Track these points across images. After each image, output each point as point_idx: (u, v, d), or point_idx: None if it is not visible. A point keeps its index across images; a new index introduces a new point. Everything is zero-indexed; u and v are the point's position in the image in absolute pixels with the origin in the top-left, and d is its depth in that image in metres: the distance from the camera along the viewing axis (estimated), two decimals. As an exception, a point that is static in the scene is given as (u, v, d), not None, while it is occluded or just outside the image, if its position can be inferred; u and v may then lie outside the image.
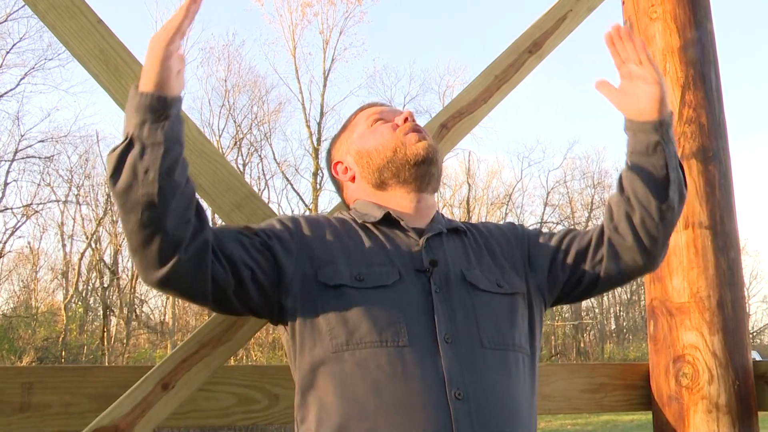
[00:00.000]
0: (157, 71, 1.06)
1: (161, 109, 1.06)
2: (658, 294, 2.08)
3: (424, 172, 1.34)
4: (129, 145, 1.07)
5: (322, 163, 22.80)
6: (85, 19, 1.52)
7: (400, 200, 1.35)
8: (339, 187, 1.48)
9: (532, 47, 1.91)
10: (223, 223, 1.42)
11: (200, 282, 1.13)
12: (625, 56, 1.24)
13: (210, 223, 1.16)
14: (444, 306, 1.20)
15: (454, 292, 1.23)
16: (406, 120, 1.38)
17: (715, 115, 2.15)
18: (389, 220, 1.30)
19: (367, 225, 1.31)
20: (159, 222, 1.06)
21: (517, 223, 1.44)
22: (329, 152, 1.50)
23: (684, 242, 2.04)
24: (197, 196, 1.16)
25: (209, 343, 1.50)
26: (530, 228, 1.43)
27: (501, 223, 1.46)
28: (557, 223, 29.34)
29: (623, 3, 2.34)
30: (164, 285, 1.11)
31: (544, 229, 1.45)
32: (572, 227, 1.42)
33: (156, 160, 1.05)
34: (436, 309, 1.18)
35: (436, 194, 1.43)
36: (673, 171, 1.27)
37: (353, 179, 1.41)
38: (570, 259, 1.34)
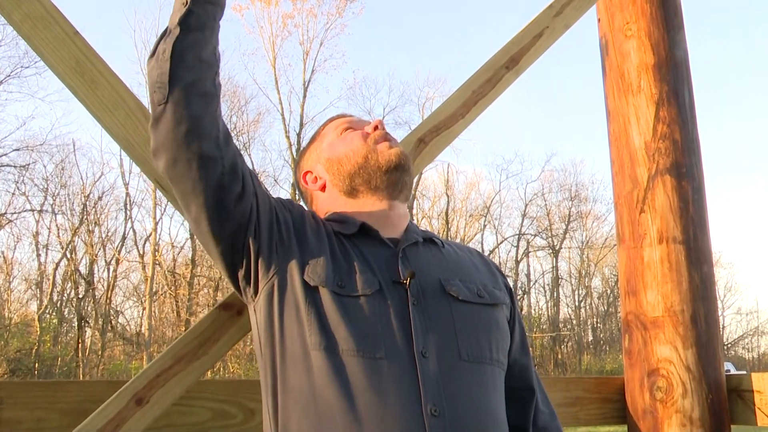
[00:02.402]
0: None
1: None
2: (633, 308, 2.10)
3: (396, 179, 1.34)
4: (164, 31, 1.19)
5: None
6: (61, 30, 1.51)
7: (372, 208, 1.33)
8: (308, 198, 1.46)
9: (509, 63, 1.92)
10: None
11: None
12: None
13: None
14: (422, 318, 1.18)
15: (433, 304, 1.21)
16: (376, 128, 1.39)
17: (689, 132, 2.18)
18: (364, 232, 1.29)
19: (342, 236, 1.29)
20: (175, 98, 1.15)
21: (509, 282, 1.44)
22: (298, 163, 1.50)
23: (658, 257, 2.06)
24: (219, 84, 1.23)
25: (184, 357, 1.49)
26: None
27: (491, 260, 1.47)
28: (535, 235, 29.52)
29: (599, 20, 2.38)
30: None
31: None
32: (530, 363, 1.43)
33: (171, 42, 1.15)
34: (414, 322, 1.17)
35: (407, 203, 1.43)
36: None
37: (323, 188, 1.40)
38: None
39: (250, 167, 1.27)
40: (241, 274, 1.24)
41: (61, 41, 1.50)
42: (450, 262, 1.33)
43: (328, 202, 1.39)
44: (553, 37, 2.01)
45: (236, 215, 1.19)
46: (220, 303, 1.53)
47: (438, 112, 1.84)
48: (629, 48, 2.26)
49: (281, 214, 1.27)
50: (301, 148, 1.51)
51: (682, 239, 2.07)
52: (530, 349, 1.46)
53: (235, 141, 1.25)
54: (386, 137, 1.38)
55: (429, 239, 1.35)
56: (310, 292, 1.18)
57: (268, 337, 1.20)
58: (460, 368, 1.17)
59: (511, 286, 1.44)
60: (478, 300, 1.27)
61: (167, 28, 1.19)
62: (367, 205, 1.34)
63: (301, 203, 1.39)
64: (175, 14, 1.18)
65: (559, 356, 28.38)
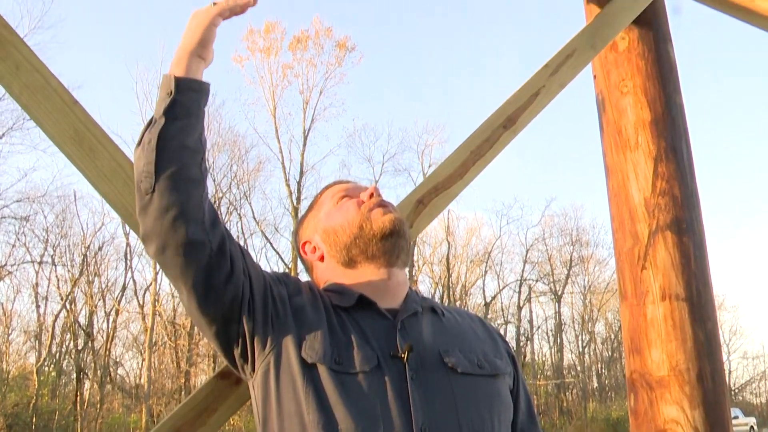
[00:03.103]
0: (187, 49, 1.23)
1: (168, 87, 1.19)
2: (638, 367, 2.07)
3: (392, 245, 1.32)
4: (150, 120, 1.21)
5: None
6: (60, 99, 1.52)
7: (370, 278, 1.32)
8: (308, 267, 1.45)
9: (507, 122, 1.93)
10: None
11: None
12: None
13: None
14: (421, 393, 1.16)
15: (432, 377, 1.19)
16: (371, 195, 1.38)
17: (688, 187, 2.18)
18: (362, 304, 1.28)
19: (340, 309, 1.27)
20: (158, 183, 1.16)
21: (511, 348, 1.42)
22: (296, 232, 1.48)
23: (662, 315, 2.04)
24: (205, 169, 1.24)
25: (181, 429, 1.46)
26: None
27: (493, 326, 1.45)
28: (537, 280, 29.41)
29: (595, 77, 2.40)
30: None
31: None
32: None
33: (156, 132, 1.16)
34: (413, 398, 1.15)
35: (406, 268, 1.41)
36: None
37: (322, 258, 1.39)
38: None
39: (241, 244, 1.28)
40: (237, 352, 1.22)
41: (60, 111, 1.51)
42: (450, 331, 1.31)
43: (327, 273, 1.37)
44: (549, 96, 2.02)
45: (227, 295, 1.19)
46: (218, 372, 1.51)
47: (436, 173, 1.84)
48: (626, 104, 2.28)
49: (276, 290, 1.25)
50: (300, 216, 1.50)
51: (685, 296, 2.05)
52: (535, 407, 1.43)
53: (222, 221, 1.25)
54: (381, 203, 1.37)
55: (429, 308, 1.34)
56: (308, 369, 1.16)
57: (266, 415, 1.18)
58: None
59: (514, 354, 1.42)
60: (478, 371, 1.25)
61: (153, 117, 1.20)
62: (366, 274, 1.32)
63: (300, 275, 1.38)
64: (160, 104, 1.19)
65: (564, 404, 27.98)
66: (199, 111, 1.22)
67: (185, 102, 1.19)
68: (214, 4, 1.25)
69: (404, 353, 1.19)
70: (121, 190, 1.52)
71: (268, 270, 1.33)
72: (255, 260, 1.28)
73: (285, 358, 1.18)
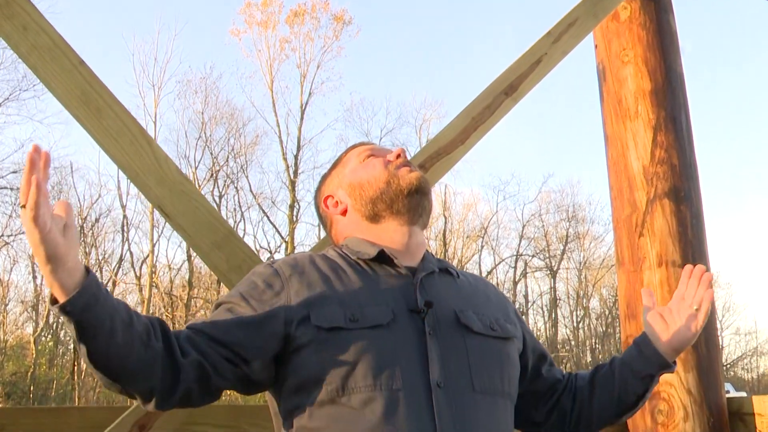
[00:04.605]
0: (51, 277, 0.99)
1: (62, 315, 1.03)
2: (633, 331, 2.10)
3: (417, 203, 1.35)
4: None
5: (299, 195, 22.86)
6: (68, 60, 1.53)
7: (393, 234, 1.34)
8: (327, 223, 1.47)
9: (508, 90, 1.95)
10: (203, 265, 1.38)
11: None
12: (689, 294, 1.34)
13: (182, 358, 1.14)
14: (437, 349, 1.19)
15: (448, 334, 1.22)
16: (398, 156, 1.41)
17: (686, 157, 2.21)
18: (382, 258, 1.30)
19: (359, 262, 1.30)
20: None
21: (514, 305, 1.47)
22: (319, 189, 1.50)
23: (658, 280, 2.08)
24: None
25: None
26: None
27: (501, 292, 1.49)
28: (533, 256, 29.54)
29: (596, 47, 2.41)
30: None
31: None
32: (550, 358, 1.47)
33: (84, 356, 1.06)
34: (430, 352, 1.18)
35: (425, 230, 1.44)
36: (640, 404, 1.38)
37: (344, 212, 1.41)
38: (534, 385, 1.40)
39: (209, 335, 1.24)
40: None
41: (68, 72, 1.52)
42: (464, 293, 1.34)
43: (349, 227, 1.40)
44: (551, 63, 2.03)
45: (228, 380, 1.18)
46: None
47: (438, 139, 1.86)
48: (626, 74, 2.29)
49: (274, 317, 1.21)
50: (324, 173, 1.52)
51: (682, 263, 2.09)
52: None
53: (192, 351, 1.17)
54: (407, 164, 1.40)
55: (444, 269, 1.37)
56: (324, 335, 1.17)
57: (286, 392, 1.21)
58: (473, 400, 1.18)
59: (521, 316, 1.45)
60: (490, 333, 1.28)
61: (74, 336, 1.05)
62: (388, 230, 1.35)
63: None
64: (71, 330, 1.04)
65: (558, 377, 28.20)
66: (104, 311, 1.04)
67: (86, 319, 1.03)
68: (23, 207, 0.91)
69: (423, 309, 1.22)
70: (128, 149, 1.53)
71: (260, 269, 1.30)
72: (231, 322, 1.24)
73: (301, 336, 1.18)
